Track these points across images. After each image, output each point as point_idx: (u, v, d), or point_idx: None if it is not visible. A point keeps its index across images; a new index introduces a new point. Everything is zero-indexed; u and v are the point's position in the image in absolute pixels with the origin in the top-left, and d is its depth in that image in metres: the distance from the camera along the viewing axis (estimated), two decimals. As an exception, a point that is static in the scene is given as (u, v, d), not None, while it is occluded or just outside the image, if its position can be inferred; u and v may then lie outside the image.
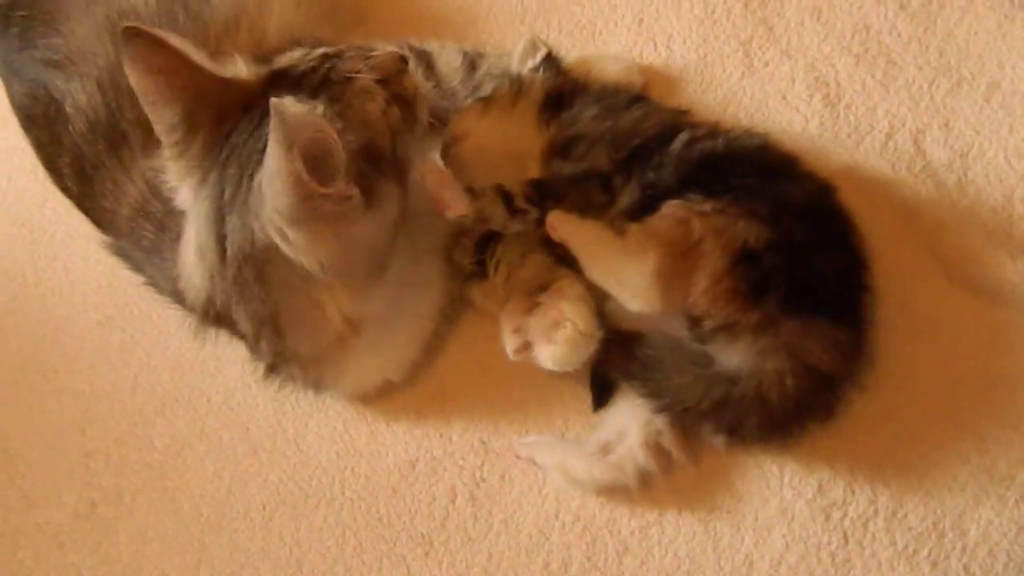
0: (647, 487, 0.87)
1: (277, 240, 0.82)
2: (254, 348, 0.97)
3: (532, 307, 0.89)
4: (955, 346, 0.86)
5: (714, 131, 0.91)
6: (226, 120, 0.86)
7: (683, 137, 0.90)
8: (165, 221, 1.01)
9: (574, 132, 0.93)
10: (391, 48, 0.97)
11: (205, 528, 1.04)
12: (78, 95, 1.06)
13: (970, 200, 0.88)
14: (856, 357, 0.82)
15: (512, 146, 0.94)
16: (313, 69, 0.88)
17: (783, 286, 0.78)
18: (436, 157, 0.97)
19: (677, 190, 0.83)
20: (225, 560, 1.02)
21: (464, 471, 0.99)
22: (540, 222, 0.89)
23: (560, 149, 0.93)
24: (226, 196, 0.85)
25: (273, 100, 0.75)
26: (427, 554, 0.97)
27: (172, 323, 1.11)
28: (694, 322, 0.80)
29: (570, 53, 1.07)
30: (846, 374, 0.82)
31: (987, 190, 0.88)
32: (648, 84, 1.04)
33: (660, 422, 0.86)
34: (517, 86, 0.97)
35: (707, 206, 0.80)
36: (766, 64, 1.01)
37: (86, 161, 1.07)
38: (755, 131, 0.92)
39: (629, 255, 0.82)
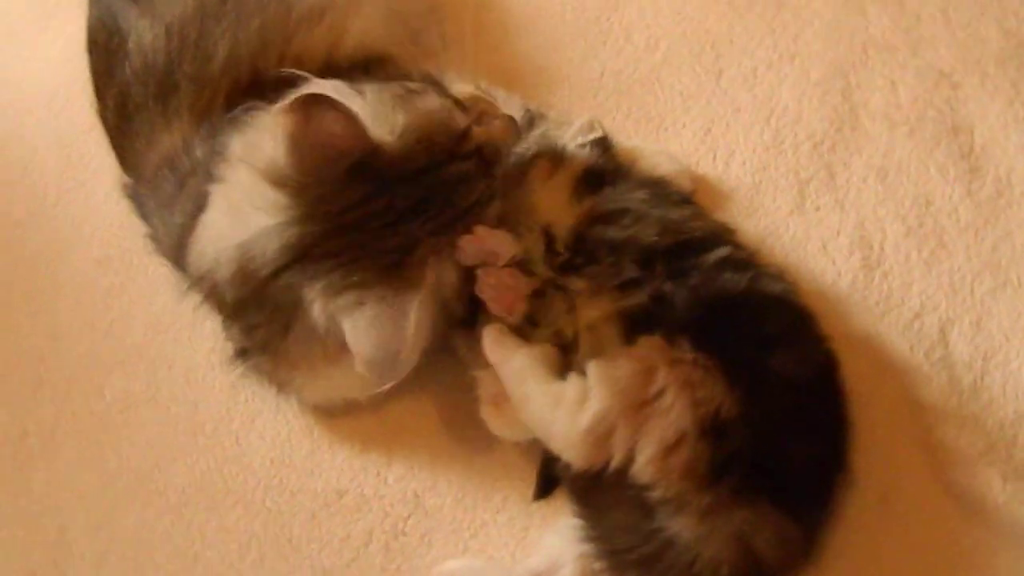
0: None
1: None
2: (229, 329, 0.94)
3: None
4: (922, 553, 0.80)
5: (750, 260, 0.87)
6: None
7: (722, 252, 0.85)
8: (187, 180, 1.00)
9: (621, 206, 0.90)
10: (504, 111, 0.94)
11: (120, 493, 1.01)
12: (144, 34, 1.06)
13: (980, 406, 0.83)
14: (802, 557, 0.75)
15: (538, 215, 0.91)
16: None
17: (745, 469, 0.71)
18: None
19: (675, 320, 0.78)
20: (127, 531, 0.99)
21: (388, 518, 0.95)
22: (566, 271, 0.85)
23: (604, 216, 0.89)
24: None
25: None
26: (323, 590, 0.93)
27: (163, 281, 1.09)
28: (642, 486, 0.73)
29: (628, 139, 1.05)
30: (787, 572, 0.75)
31: (1000, 401, 0.82)
32: (695, 192, 1.01)
33: (598, 562, 0.79)
34: (559, 157, 0.94)
35: (688, 355, 0.74)
36: (817, 208, 0.98)
37: (131, 100, 1.07)
38: (784, 275, 0.87)
39: (562, 406, 0.76)
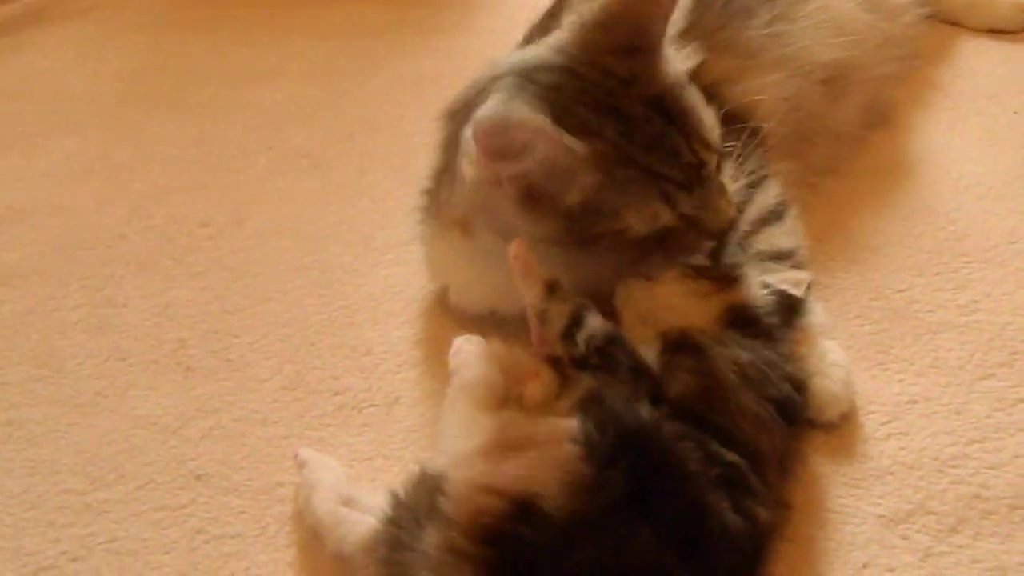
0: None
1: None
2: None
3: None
4: None
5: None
6: None
7: (720, 472, 0.74)
8: None
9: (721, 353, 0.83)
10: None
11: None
12: None
13: None
14: None
15: (667, 313, 0.86)
16: None
17: (514, 551, 0.67)
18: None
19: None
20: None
21: (365, 393, 1.00)
22: (577, 365, 0.82)
23: (695, 345, 0.83)
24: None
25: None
26: (285, 388, 1.02)
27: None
28: None
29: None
30: None
31: None
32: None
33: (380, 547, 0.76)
34: (730, 282, 0.88)
35: (577, 449, 0.71)
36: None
37: None
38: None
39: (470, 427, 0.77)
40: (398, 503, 0.75)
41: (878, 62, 1.26)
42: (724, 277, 0.89)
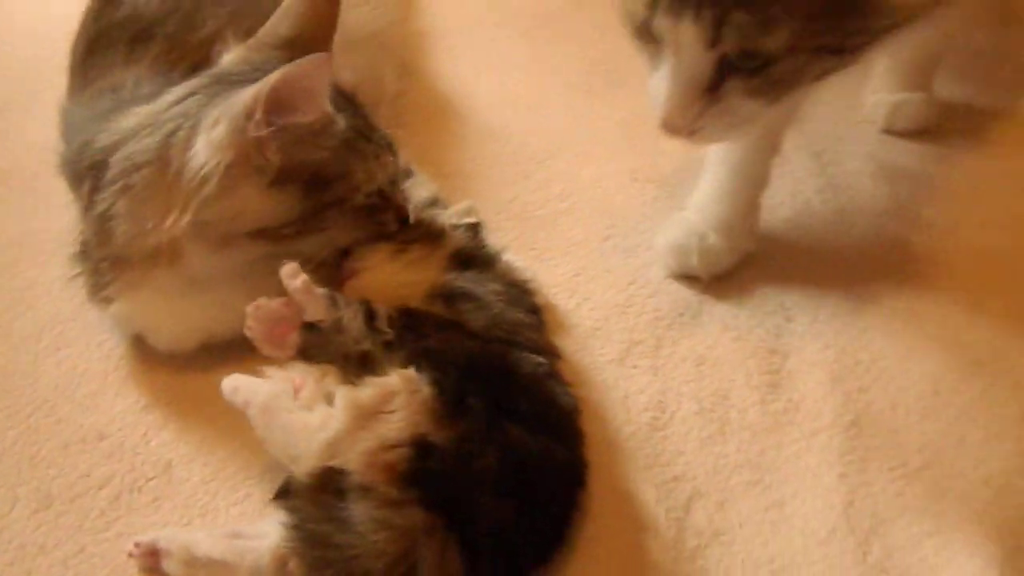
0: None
1: (204, 130, 0.90)
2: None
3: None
4: None
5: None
6: None
7: (541, 369, 0.93)
8: (127, 105, 1.06)
9: (470, 289, 0.97)
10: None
11: None
12: None
13: (691, 569, 0.88)
14: None
15: (405, 289, 0.97)
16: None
17: (437, 489, 0.77)
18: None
19: (435, 364, 0.84)
20: None
21: (132, 472, 0.96)
22: (390, 347, 0.90)
23: (448, 295, 0.96)
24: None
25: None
26: (37, 511, 0.92)
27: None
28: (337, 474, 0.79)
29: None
30: None
31: (712, 572, 0.88)
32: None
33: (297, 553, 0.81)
34: (436, 236, 1.03)
35: (426, 389, 0.81)
36: (634, 367, 1.06)
37: (106, 38, 1.17)
38: (573, 395, 0.95)
39: (309, 427, 0.82)
40: (294, 510, 0.79)
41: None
42: (429, 234, 1.03)
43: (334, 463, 0.79)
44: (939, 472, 0.96)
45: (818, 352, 1.08)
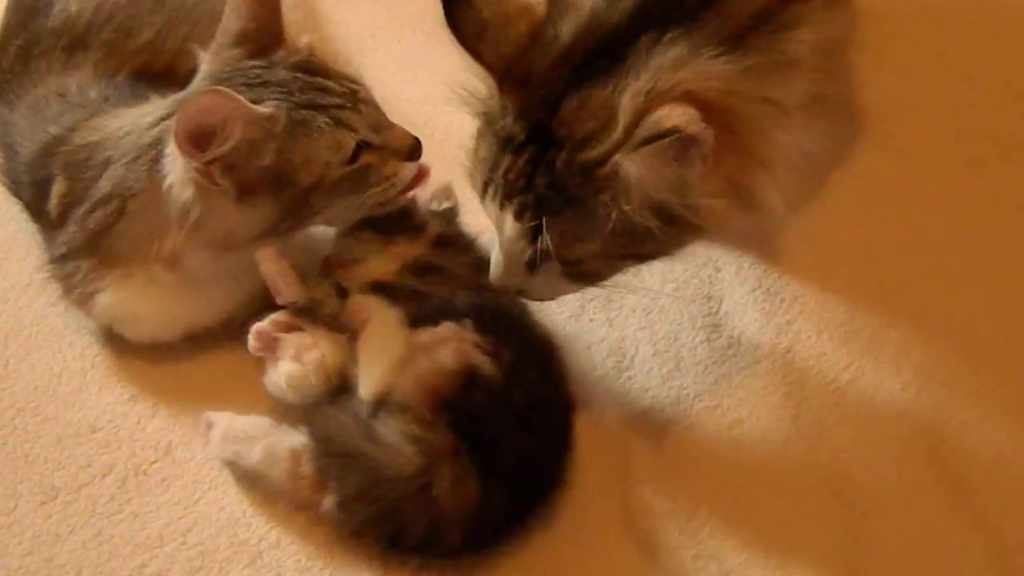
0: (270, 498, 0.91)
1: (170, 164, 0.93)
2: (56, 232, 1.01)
3: (293, 327, 0.95)
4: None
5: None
6: None
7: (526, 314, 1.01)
8: (75, 109, 1.10)
9: (438, 262, 1.04)
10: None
11: None
12: (72, 3, 1.19)
13: (673, 473, 0.98)
14: (474, 513, 0.86)
15: (390, 277, 1.02)
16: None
17: (470, 422, 0.86)
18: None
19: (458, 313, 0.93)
20: None
21: (134, 457, 0.98)
22: None
23: (418, 268, 1.03)
24: None
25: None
26: (43, 503, 0.93)
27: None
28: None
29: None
30: (447, 514, 0.85)
31: (690, 468, 0.99)
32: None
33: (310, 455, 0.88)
34: (419, 228, 1.08)
35: (472, 335, 0.90)
36: (591, 320, 1.16)
37: (38, 47, 1.18)
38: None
39: (397, 363, 0.89)
40: (323, 422, 0.88)
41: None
42: (412, 226, 1.09)
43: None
44: (865, 383, 1.11)
45: (747, 294, 1.21)
